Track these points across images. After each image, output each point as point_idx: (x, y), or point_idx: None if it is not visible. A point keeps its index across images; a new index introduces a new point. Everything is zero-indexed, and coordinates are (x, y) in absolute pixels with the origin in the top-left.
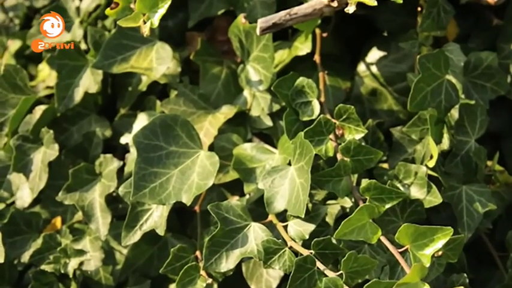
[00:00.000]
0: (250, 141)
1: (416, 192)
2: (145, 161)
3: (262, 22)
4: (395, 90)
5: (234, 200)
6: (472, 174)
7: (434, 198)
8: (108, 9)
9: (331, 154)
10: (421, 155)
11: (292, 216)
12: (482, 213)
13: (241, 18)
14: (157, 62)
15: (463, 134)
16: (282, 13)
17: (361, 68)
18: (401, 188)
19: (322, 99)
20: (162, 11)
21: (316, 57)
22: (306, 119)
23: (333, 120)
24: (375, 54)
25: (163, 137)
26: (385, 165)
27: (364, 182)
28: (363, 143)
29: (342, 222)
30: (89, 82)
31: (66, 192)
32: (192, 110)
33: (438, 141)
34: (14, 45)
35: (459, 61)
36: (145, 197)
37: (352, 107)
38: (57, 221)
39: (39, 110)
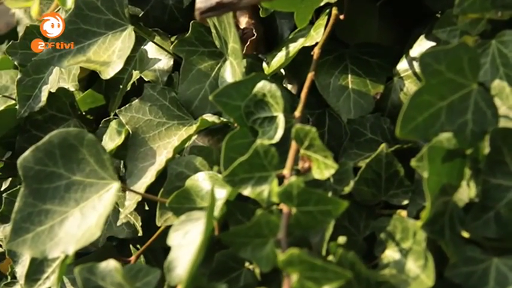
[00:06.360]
0: None
1: (412, 264)
2: (36, 195)
3: (200, 1)
4: None
5: (116, 263)
6: (510, 240)
7: (425, 279)
8: None
9: (276, 200)
10: None
11: None
12: None
13: None
14: (118, 55)
15: (503, 175)
16: None
17: (403, 65)
18: (396, 255)
19: (298, 113)
20: None
21: (316, 50)
22: (266, 142)
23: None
24: (421, 46)
25: (63, 161)
26: (404, 213)
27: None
28: (353, 180)
29: None
30: (59, 78)
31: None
32: (161, 119)
33: (455, 186)
34: None
35: None
36: (25, 244)
37: (314, 129)
38: None
39: None
